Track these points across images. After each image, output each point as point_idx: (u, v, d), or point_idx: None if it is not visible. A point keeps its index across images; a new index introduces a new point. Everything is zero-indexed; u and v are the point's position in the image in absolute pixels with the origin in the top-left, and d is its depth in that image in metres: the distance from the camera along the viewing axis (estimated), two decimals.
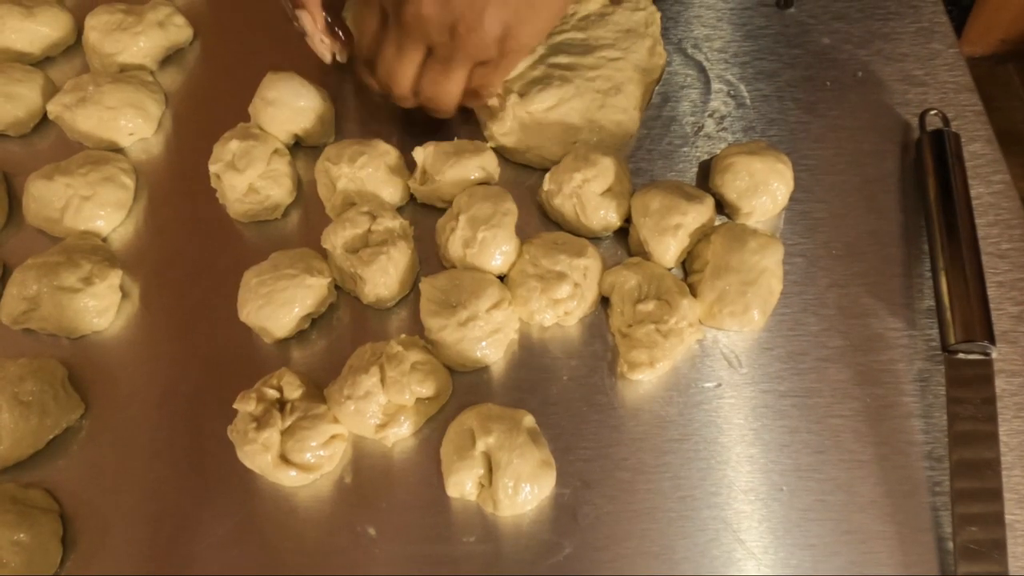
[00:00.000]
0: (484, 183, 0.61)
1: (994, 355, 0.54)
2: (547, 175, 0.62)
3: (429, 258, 0.62)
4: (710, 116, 0.67)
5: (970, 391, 0.53)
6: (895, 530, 0.51)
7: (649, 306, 0.55)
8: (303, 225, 0.64)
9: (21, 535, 0.49)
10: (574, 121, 0.64)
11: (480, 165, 0.61)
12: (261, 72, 0.66)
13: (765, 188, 0.60)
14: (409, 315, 0.59)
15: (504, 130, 0.64)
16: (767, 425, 0.55)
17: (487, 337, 0.55)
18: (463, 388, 0.56)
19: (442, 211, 0.63)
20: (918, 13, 0.72)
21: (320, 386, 0.56)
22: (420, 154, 0.62)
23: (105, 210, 0.62)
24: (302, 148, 0.67)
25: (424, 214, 0.64)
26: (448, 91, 0.58)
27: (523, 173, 0.65)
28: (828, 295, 0.59)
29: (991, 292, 0.56)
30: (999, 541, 0.49)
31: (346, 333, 0.59)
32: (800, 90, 0.68)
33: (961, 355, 0.54)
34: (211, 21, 0.75)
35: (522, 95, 0.64)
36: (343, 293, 0.60)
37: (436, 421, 0.55)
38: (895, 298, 0.59)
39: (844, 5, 0.73)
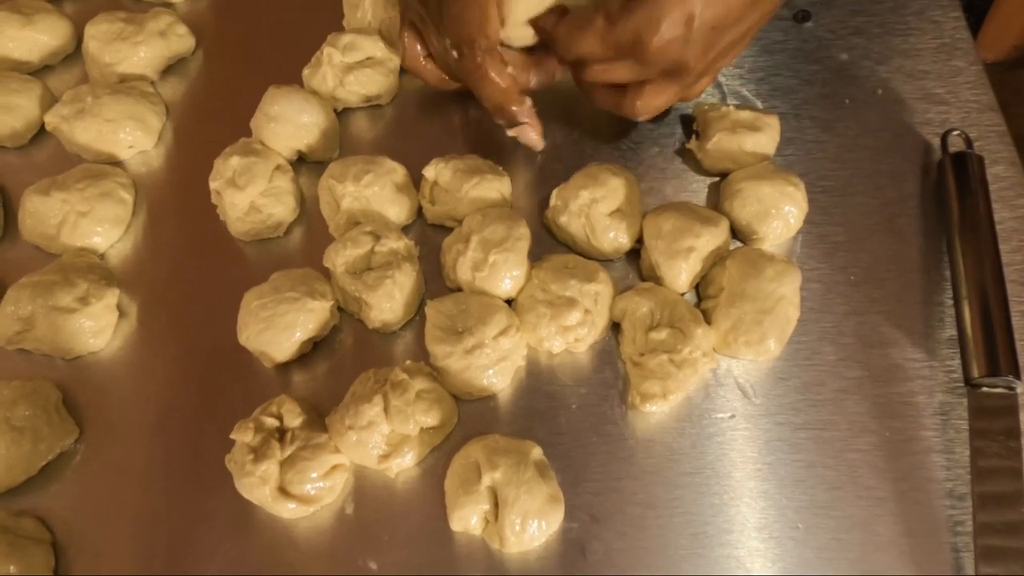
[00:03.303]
0: (496, 205, 0.59)
1: (1019, 389, 0.52)
2: (554, 191, 0.60)
3: (433, 278, 0.60)
4: None
5: (994, 426, 0.51)
6: (914, 571, 0.49)
7: (662, 334, 0.53)
8: (306, 243, 0.62)
9: (12, 568, 0.47)
10: None
11: (498, 188, 0.59)
12: (265, 82, 0.65)
13: (777, 212, 0.58)
14: (414, 338, 0.58)
15: None
16: (782, 459, 0.53)
17: (494, 365, 0.53)
18: (468, 416, 0.55)
19: (448, 230, 0.61)
20: (939, 29, 0.70)
21: (321, 412, 0.54)
22: (431, 171, 0.60)
23: (102, 226, 0.60)
24: (306, 163, 0.65)
25: (429, 232, 0.62)
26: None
27: (530, 194, 0.63)
28: (846, 323, 0.57)
29: (1016, 323, 0.54)
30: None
31: (349, 356, 0.58)
32: (817, 108, 0.66)
33: (984, 389, 0.52)
34: (214, 30, 0.73)
35: None
36: (346, 314, 0.59)
37: (440, 451, 0.54)
38: (915, 327, 0.57)
39: (863, 20, 0.71)
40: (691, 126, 0.65)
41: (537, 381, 0.56)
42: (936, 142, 0.64)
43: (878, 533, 0.50)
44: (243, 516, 0.52)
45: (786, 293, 0.54)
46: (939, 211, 0.61)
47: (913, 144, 0.64)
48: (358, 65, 0.64)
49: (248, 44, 0.72)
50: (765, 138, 0.61)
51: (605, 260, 0.59)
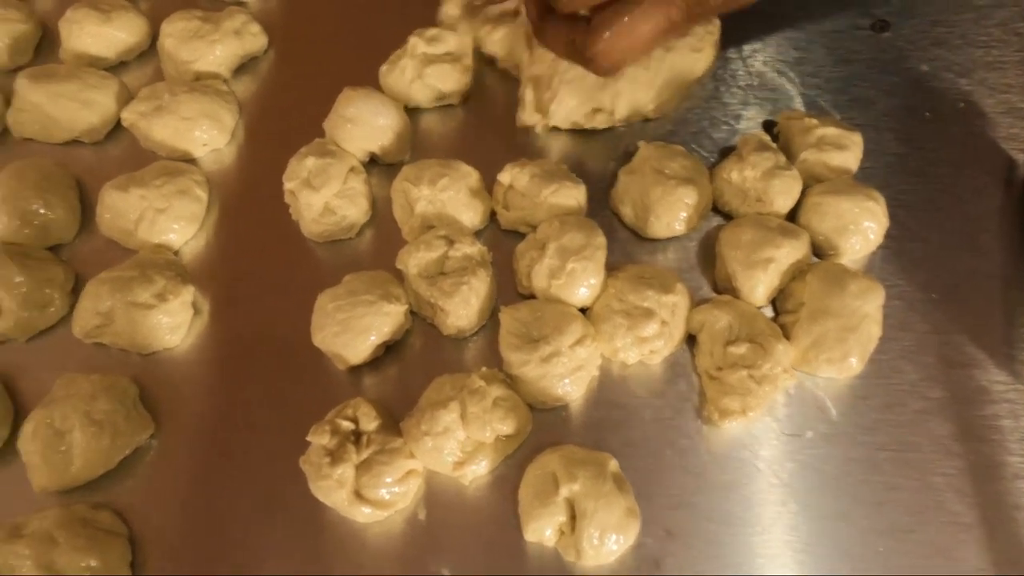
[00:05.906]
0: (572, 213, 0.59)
1: None
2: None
3: (503, 285, 0.59)
4: None
5: None
6: None
7: (741, 349, 0.52)
8: (377, 245, 0.62)
9: (92, 561, 0.48)
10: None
11: (575, 196, 0.59)
12: (335, 82, 0.65)
13: (856, 228, 0.57)
14: (485, 344, 0.57)
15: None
16: (861, 480, 0.52)
17: (570, 374, 0.52)
18: (540, 426, 0.54)
19: (518, 236, 0.61)
20: (1023, 41, 0.68)
21: (393, 416, 0.54)
22: (507, 176, 0.60)
23: (179, 223, 0.61)
24: (376, 165, 0.65)
25: (500, 237, 0.61)
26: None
27: (601, 204, 0.63)
28: (927, 342, 0.56)
29: None
30: None
31: (419, 360, 0.57)
32: (897, 120, 0.65)
33: None
34: (285, 29, 0.73)
35: None
36: (416, 318, 0.58)
37: (512, 459, 0.53)
38: (999, 348, 0.55)
39: (944, 31, 0.69)
40: (771, 131, 0.64)
41: (609, 392, 0.55)
42: (1020, 157, 0.62)
43: (962, 560, 0.49)
44: (314, 516, 0.52)
45: (870, 311, 0.53)
46: (1022, 228, 0.59)
47: (996, 159, 0.63)
48: (438, 59, 0.64)
49: (318, 44, 0.72)
50: (851, 157, 0.60)
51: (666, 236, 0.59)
